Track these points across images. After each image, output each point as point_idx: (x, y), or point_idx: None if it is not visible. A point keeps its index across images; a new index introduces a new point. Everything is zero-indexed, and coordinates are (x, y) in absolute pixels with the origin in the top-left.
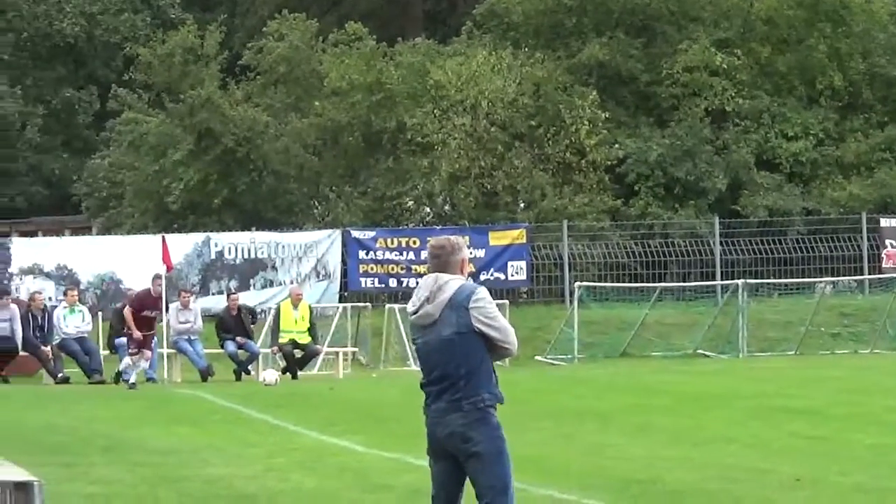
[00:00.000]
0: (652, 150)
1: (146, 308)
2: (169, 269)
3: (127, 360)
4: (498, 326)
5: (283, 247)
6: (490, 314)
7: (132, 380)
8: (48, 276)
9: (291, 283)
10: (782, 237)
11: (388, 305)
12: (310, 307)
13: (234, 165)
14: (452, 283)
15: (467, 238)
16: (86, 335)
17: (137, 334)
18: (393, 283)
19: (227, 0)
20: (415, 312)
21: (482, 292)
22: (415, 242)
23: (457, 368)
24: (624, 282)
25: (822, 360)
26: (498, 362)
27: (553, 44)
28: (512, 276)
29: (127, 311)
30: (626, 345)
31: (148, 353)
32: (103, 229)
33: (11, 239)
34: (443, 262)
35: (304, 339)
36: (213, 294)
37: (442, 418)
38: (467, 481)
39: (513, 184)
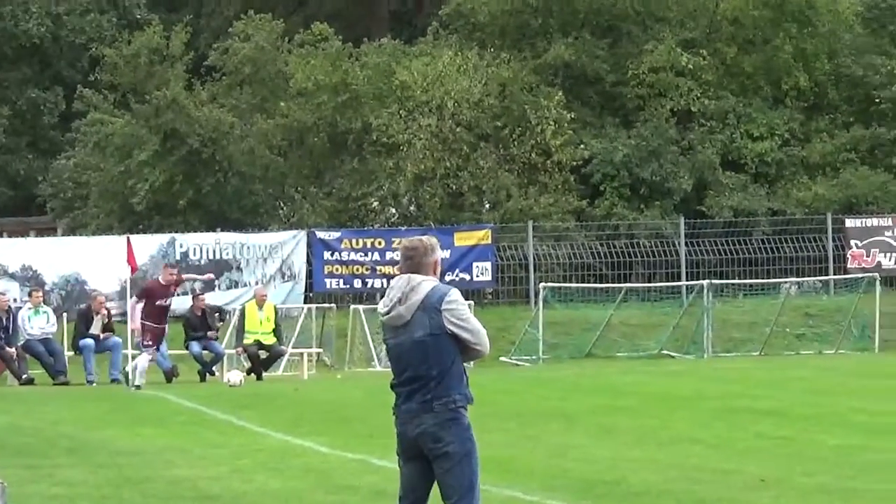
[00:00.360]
0: (617, 150)
1: (159, 298)
2: (133, 270)
3: (145, 357)
4: (470, 328)
5: (249, 248)
6: (462, 316)
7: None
8: (13, 277)
9: (256, 283)
10: (747, 237)
11: (353, 306)
12: (275, 308)
13: (199, 166)
14: (425, 284)
15: None
16: (50, 336)
17: (136, 326)
18: (358, 283)
19: (192, 1)
20: (387, 313)
21: (455, 294)
22: (380, 243)
23: (429, 369)
24: (589, 282)
25: (786, 360)
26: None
27: (519, 44)
28: (477, 276)
29: (132, 303)
30: (591, 345)
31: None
32: (68, 230)
33: None
34: (416, 263)
35: (269, 340)
36: (178, 295)
37: (413, 419)
38: (436, 484)
39: (478, 184)
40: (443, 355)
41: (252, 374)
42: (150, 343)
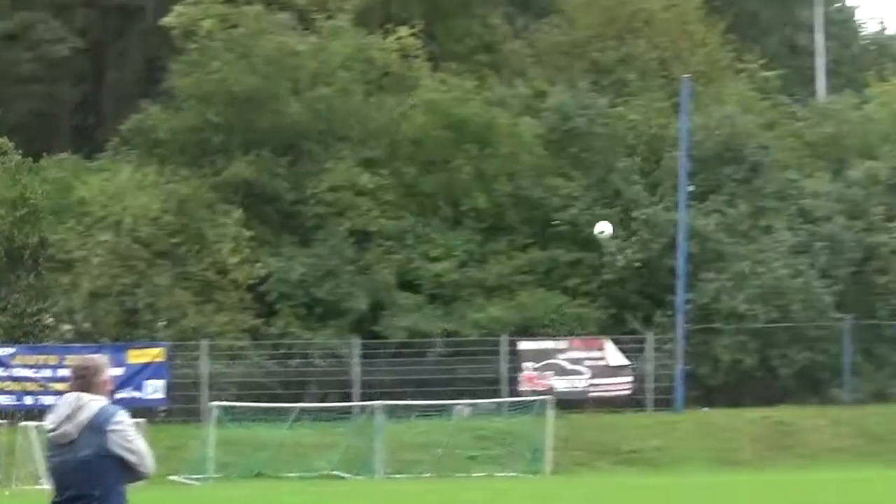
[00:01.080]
0: (294, 269)
1: None
2: None
3: None
4: (135, 450)
5: None
6: (129, 438)
7: None
8: None
9: None
10: (421, 358)
11: (22, 423)
12: None
13: None
14: (93, 404)
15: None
16: None
17: None
18: (29, 400)
19: None
20: (53, 430)
21: (122, 416)
22: (53, 360)
23: (91, 489)
24: (263, 401)
25: (458, 482)
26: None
27: (199, 161)
28: (149, 394)
29: None
30: (262, 465)
31: None
32: None
33: None
34: (86, 382)
35: None
36: None
37: None
38: None
39: (154, 302)
40: (106, 476)
41: None
42: None
